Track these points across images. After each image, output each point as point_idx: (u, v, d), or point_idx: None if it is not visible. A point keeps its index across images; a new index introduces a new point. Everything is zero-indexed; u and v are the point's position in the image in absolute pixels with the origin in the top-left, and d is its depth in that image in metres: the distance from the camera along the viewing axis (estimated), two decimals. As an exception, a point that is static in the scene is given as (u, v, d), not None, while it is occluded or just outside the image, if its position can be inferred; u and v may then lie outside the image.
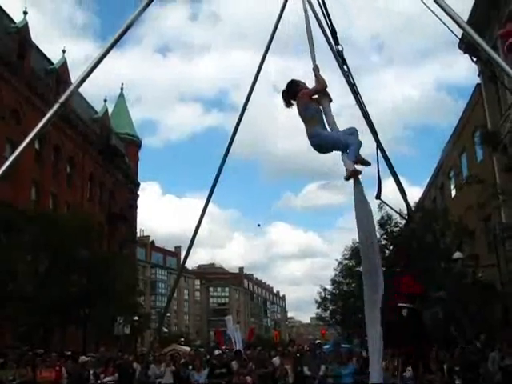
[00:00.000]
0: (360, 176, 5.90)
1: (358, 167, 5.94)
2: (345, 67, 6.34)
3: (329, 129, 6.21)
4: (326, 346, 26.28)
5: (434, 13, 5.54)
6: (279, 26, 6.84)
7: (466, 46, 22.80)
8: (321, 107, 6.32)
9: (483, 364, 12.72)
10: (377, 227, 31.42)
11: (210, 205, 7.10)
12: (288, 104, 6.59)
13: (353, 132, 6.08)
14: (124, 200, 55.14)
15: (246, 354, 22.31)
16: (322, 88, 6.37)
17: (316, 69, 6.48)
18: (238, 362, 19.54)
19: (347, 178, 5.85)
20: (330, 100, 6.48)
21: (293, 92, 6.47)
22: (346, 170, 5.84)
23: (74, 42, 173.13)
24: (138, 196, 61.45)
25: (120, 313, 37.44)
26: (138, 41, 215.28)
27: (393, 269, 26.15)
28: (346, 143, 5.99)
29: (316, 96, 6.38)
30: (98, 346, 30.72)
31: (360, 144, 6.02)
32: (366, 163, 6.04)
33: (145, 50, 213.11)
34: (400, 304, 11.53)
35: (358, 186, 5.87)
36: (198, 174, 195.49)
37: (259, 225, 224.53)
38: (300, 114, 6.33)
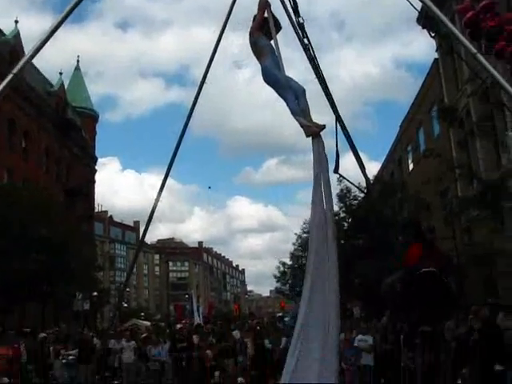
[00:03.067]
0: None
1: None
2: (305, 40, 6.27)
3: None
4: (287, 319, 26.57)
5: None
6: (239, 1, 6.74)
7: (425, 20, 22.94)
8: (272, 42, 6.22)
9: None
10: (335, 200, 31.76)
11: (171, 180, 7.08)
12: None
13: (301, 91, 5.95)
14: (81, 175, 54.31)
15: (207, 328, 22.50)
16: (261, 8, 6.30)
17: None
18: (198, 336, 19.72)
19: (307, 136, 5.68)
20: (279, 27, 6.40)
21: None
22: (303, 128, 5.70)
23: (31, 17, 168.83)
24: (95, 171, 60.64)
25: (79, 289, 37.10)
26: (98, 16, 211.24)
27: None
28: (284, 88, 5.86)
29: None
30: (57, 322, 30.45)
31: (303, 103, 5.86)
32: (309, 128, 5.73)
33: (105, 25, 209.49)
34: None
35: (317, 142, 5.66)
36: (159, 150, 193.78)
37: (210, 187, 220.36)
38: (252, 48, 6.27)
